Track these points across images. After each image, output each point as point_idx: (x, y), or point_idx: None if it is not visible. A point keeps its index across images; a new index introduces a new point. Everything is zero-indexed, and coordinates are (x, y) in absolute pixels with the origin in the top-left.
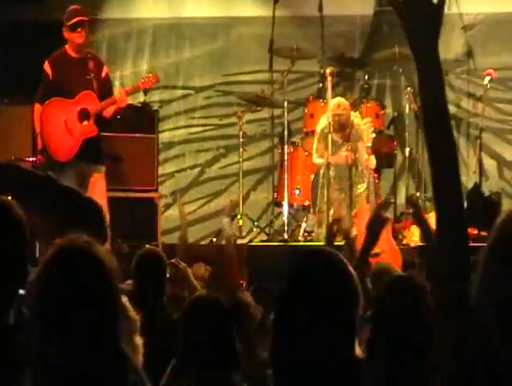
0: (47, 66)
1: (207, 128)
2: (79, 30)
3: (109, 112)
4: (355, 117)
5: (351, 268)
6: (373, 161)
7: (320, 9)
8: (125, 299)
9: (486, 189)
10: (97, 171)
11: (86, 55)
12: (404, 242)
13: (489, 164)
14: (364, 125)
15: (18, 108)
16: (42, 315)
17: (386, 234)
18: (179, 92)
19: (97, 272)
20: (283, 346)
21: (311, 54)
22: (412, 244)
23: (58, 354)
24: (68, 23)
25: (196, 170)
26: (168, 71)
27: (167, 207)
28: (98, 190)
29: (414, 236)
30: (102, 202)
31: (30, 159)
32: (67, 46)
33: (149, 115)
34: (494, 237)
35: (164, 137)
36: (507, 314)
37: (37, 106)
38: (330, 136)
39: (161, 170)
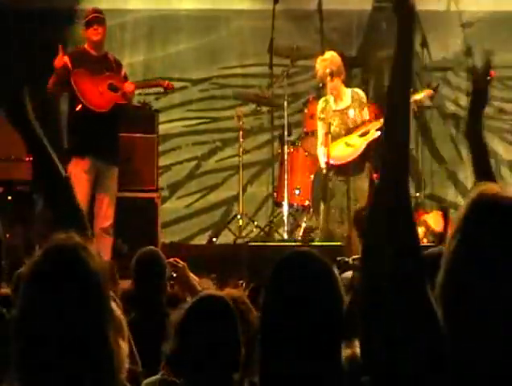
0: (66, 59)
1: (203, 121)
2: (95, 27)
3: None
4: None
5: (335, 271)
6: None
7: (320, 5)
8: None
9: None
10: (112, 171)
11: (105, 54)
12: None
13: None
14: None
15: None
16: (24, 315)
17: None
18: (176, 85)
19: (81, 275)
20: (269, 352)
21: (311, 53)
22: None
23: (39, 358)
24: (84, 20)
25: (193, 163)
26: (164, 64)
27: (164, 200)
28: (111, 190)
29: None
30: (112, 203)
31: (31, 159)
32: (85, 44)
33: (149, 115)
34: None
35: (160, 129)
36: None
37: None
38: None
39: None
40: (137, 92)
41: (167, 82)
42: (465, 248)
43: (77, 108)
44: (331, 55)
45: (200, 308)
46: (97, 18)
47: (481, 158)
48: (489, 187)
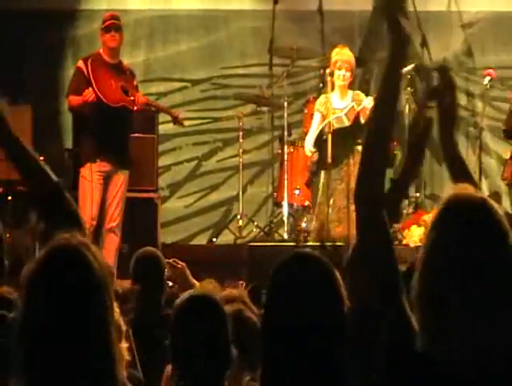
0: (81, 64)
1: (204, 121)
2: (112, 33)
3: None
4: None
5: (336, 273)
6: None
7: (320, 5)
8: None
9: (485, 188)
10: (122, 174)
11: (120, 61)
12: (404, 242)
13: (487, 163)
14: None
15: (18, 108)
16: (27, 315)
17: None
18: (176, 85)
19: (85, 275)
20: (270, 354)
21: (311, 54)
22: (412, 244)
23: (42, 358)
24: (102, 26)
25: (193, 163)
26: (165, 64)
27: (164, 200)
28: (121, 192)
29: (414, 236)
30: (120, 204)
31: None
32: (101, 50)
33: (149, 115)
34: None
35: (160, 129)
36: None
37: (71, 96)
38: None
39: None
40: None
41: (177, 113)
42: (437, 249)
43: (88, 96)
44: (351, 54)
45: (188, 307)
46: (115, 25)
47: (460, 171)
48: (463, 188)
